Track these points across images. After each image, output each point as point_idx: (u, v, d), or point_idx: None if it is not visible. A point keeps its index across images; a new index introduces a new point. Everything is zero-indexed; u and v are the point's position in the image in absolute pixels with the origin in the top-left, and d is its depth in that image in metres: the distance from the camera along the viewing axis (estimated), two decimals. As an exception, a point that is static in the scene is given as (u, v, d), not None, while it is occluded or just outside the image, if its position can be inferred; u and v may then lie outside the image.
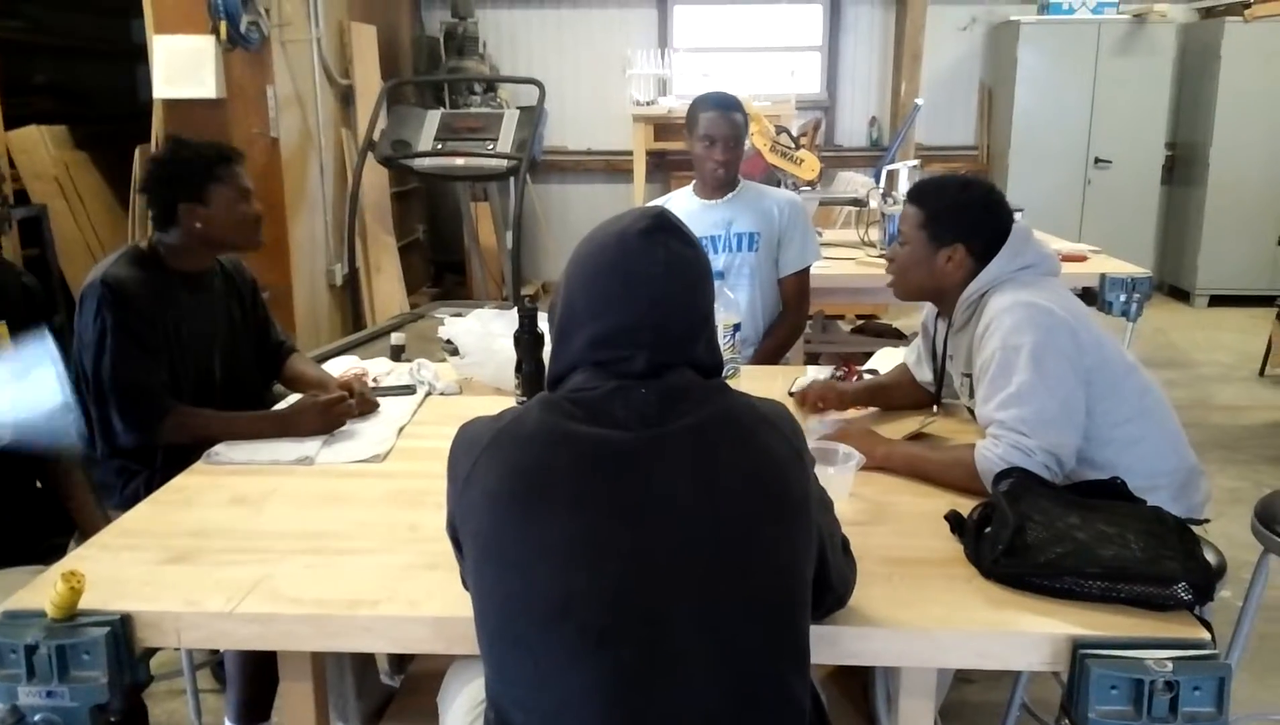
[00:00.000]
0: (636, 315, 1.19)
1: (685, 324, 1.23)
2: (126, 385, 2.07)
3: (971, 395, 1.99)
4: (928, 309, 2.24)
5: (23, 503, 2.10)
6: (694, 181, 3.12)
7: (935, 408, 2.19)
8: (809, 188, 4.47)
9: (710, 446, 1.16)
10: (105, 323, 2.06)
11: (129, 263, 2.17)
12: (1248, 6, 6.75)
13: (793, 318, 3.13)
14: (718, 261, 3.00)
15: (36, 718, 1.34)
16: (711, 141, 2.93)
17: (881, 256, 4.07)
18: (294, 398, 2.39)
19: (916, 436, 2.05)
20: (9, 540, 1.85)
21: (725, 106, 2.93)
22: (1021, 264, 1.96)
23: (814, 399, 2.19)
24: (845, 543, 1.37)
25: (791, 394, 2.36)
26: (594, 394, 1.18)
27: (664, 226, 1.22)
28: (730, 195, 3.05)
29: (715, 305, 1.34)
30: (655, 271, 1.19)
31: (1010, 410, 1.78)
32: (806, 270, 3.12)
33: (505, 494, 1.15)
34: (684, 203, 3.07)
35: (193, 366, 2.25)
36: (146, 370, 2.10)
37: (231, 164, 2.24)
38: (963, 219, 1.99)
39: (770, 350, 3.05)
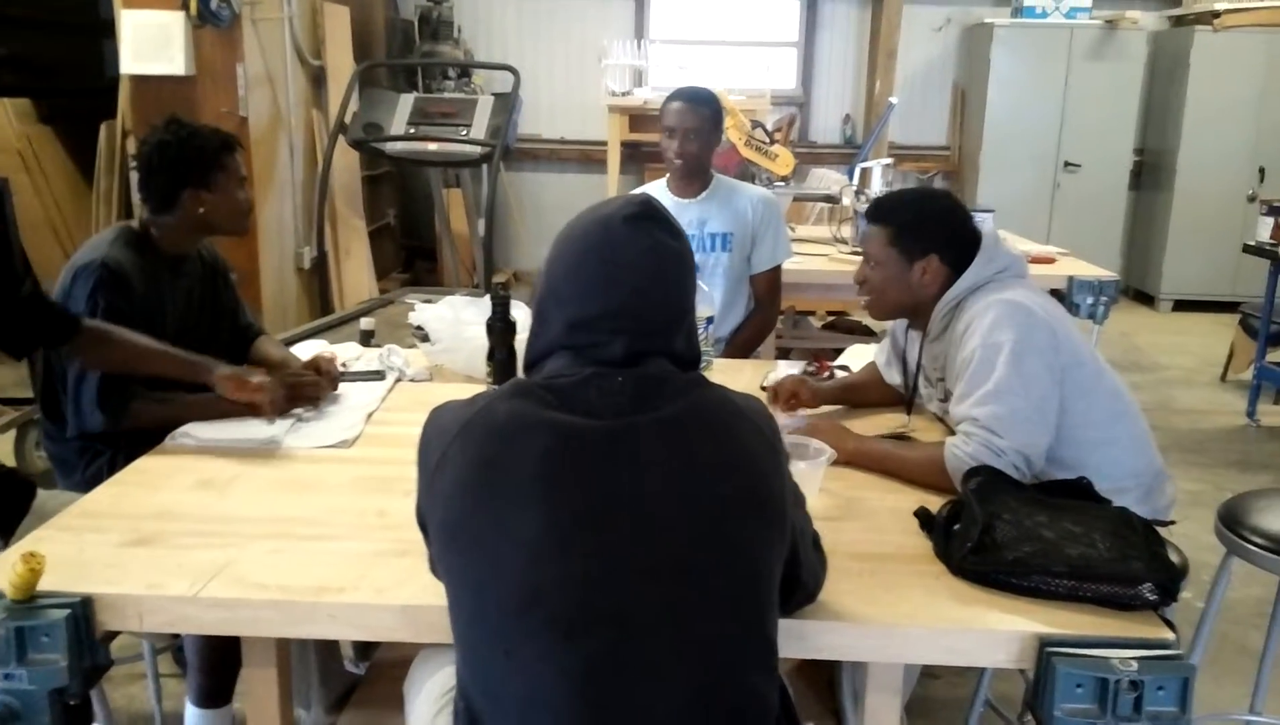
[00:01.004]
0: (618, 302, 1.19)
1: (666, 314, 1.23)
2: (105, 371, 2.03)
3: (944, 399, 1.99)
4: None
5: None
6: (667, 175, 3.10)
7: (908, 418, 2.17)
8: (783, 183, 4.49)
9: (683, 439, 1.15)
10: (98, 305, 2.04)
11: (125, 245, 2.16)
12: (1217, 16, 6.84)
13: (763, 314, 3.14)
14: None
15: (-8, 701, 1.31)
16: (671, 132, 2.92)
17: (854, 253, 4.09)
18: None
19: (893, 438, 2.05)
20: None
21: (689, 99, 2.91)
22: (997, 268, 1.97)
23: (786, 395, 2.19)
24: (816, 538, 1.37)
25: (764, 388, 2.36)
26: (570, 381, 1.17)
27: (650, 215, 1.22)
28: (704, 193, 3.03)
29: None
30: (639, 260, 1.19)
31: (985, 407, 1.78)
32: (778, 268, 3.12)
33: (476, 482, 1.14)
34: (659, 198, 3.03)
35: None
36: None
37: (234, 151, 2.27)
38: (931, 229, 2.00)
39: (741, 345, 3.05)
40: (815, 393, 2.22)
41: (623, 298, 1.19)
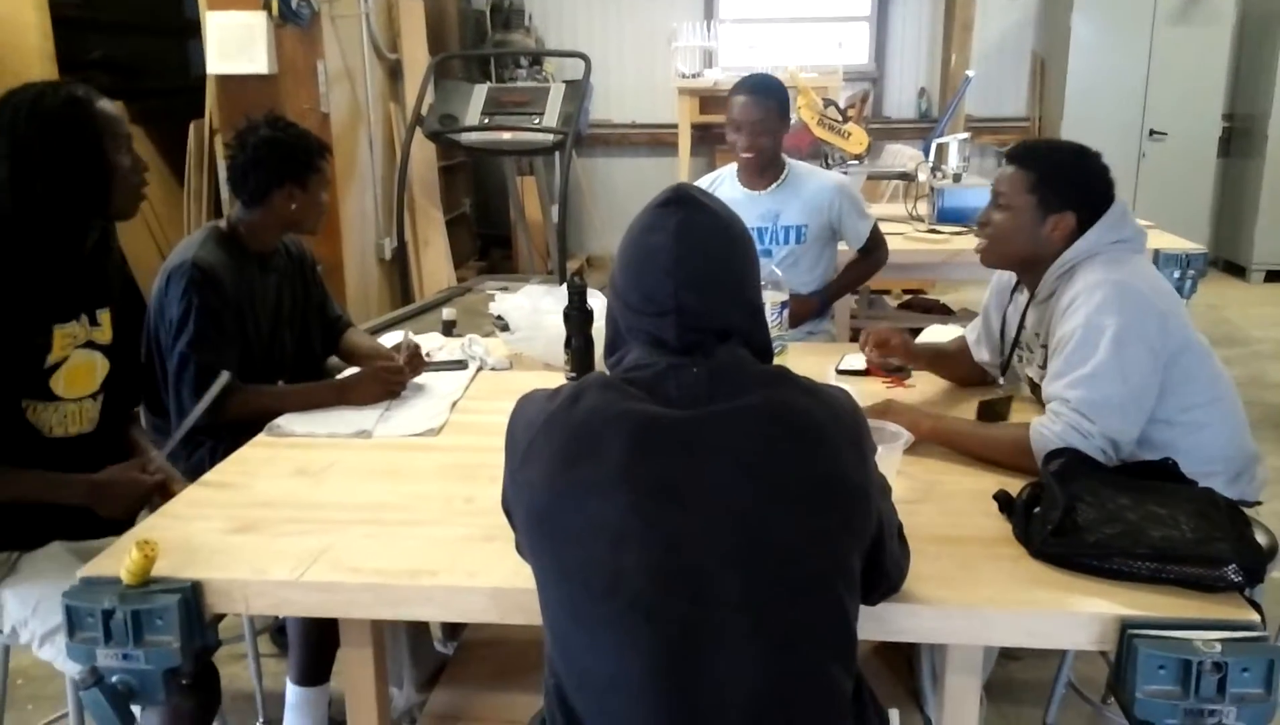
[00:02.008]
0: (655, 283, 1.23)
1: (705, 289, 1.24)
2: (200, 365, 2.13)
3: (1043, 365, 1.93)
4: (994, 287, 2.18)
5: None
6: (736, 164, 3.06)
7: (1000, 379, 2.14)
8: (856, 161, 4.45)
9: (764, 429, 1.18)
10: (191, 303, 2.13)
11: (215, 244, 2.24)
12: (1312, -27, 6.57)
13: (864, 260, 3.13)
14: (765, 252, 2.99)
15: (114, 679, 1.40)
16: (738, 128, 2.85)
17: (931, 231, 4.05)
18: (352, 371, 2.45)
19: (991, 407, 2.01)
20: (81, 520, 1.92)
21: (755, 90, 2.82)
22: (1117, 237, 1.88)
23: (878, 340, 2.16)
24: (900, 529, 1.37)
25: (840, 372, 2.37)
26: (648, 372, 1.21)
27: (679, 199, 1.27)
28: (775, 185, 2.98)
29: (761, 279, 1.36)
30: (666, 241, 1.23)
31: (1079, 391, 1.74)
32: (873, 231, 3.07)
33: (561, 472, 1.18)
34: (729, 191, 3.01)
35: (267, 342, 2.34)
36: (220, 353, 2.16)
37: (327, 157, 2.37)
38: (1079, 186, 1.90)
39: (844, 286, 3.08)
40: (907, 346, 2.19)
41: (658, 279, 1.23)
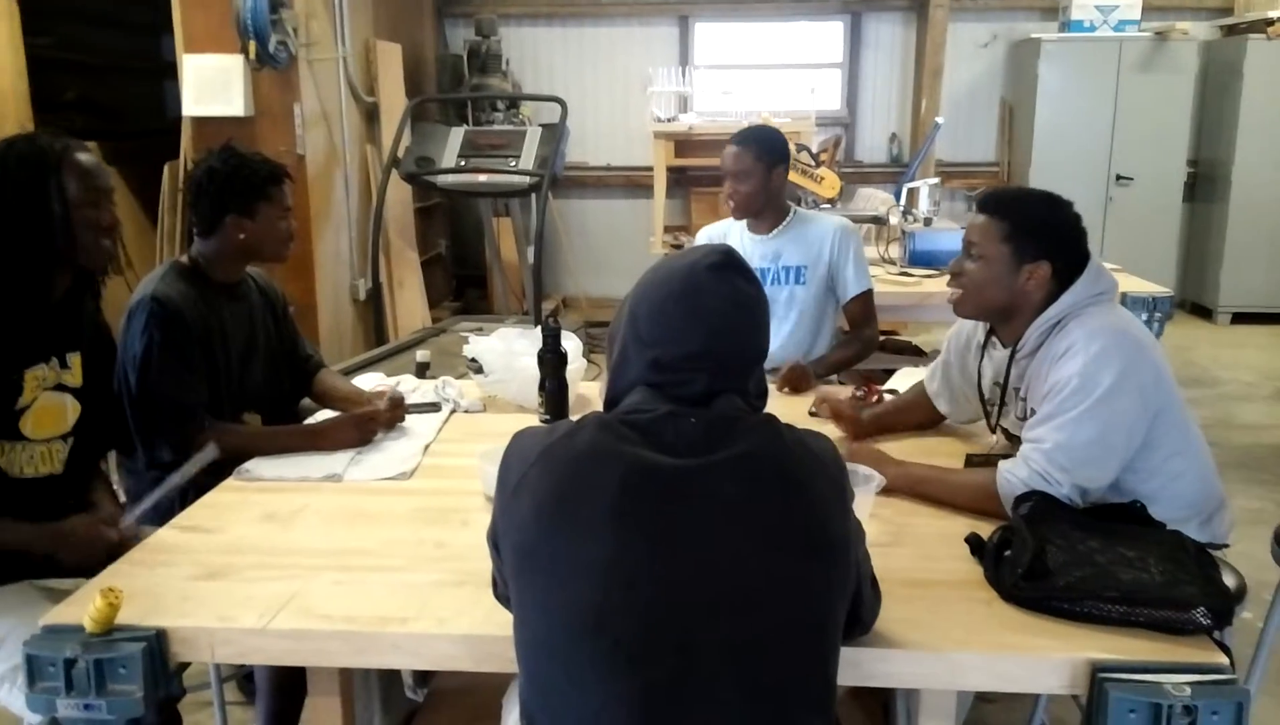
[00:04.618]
0: (699, 344, 1.24)
1: (743, 356, 1.28)
2: (168, 401, 2.11)
3: (1021, 416, 1.92)
4: (956, 343, 2.17)
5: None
6: None
7: (994, 438, 2.13)
8: (829, 205, 4.51)
9: (752, 478, 1.19)
10: (152, 338, 2.10)
11: (175, 278, 2.22)
12: (1271, 24, 6.74)
13: (857, 336, 3.10)
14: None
15: (74, 730, 1.37)
16: (724, 175, 2.96)
17: (903, 274, 4.10)
18: (324, 413, 2.43)
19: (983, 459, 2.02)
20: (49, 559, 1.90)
21: (737, 140, 2.94)
22: (1099, 289, 1.88)
23: (830, 412, 2.20)
24: (872, 574, 1.37)
25: (812, 413, 2.38)
26: (648, 417, 1.22)
27: (732, 264, 1.28)
28: (778, 229, 3.02)
29: None
30: (720, 305, 1.25)
31: (1061, 435, 1.74)
32: (868, 293, 3.06)
33: (551, 508, 1.18)
34: (738, 237, 3.05)
35: (238, 372, 2.31)
36: (188, 387, 2.14)
37: (281, 183, 2.32)
38: (1054, 235, 1.88)
39: (835, 363, 3.02)
40: (856, 424, 2.22)
41: (704, 340, 1.24)
